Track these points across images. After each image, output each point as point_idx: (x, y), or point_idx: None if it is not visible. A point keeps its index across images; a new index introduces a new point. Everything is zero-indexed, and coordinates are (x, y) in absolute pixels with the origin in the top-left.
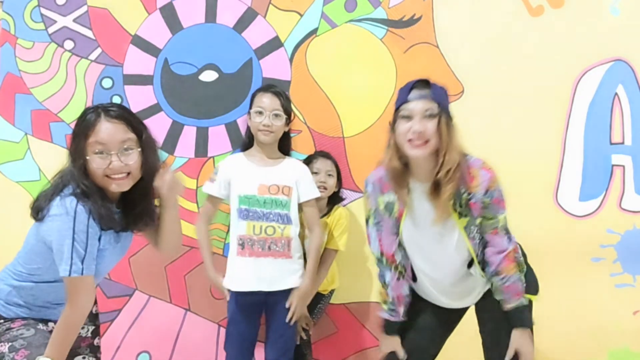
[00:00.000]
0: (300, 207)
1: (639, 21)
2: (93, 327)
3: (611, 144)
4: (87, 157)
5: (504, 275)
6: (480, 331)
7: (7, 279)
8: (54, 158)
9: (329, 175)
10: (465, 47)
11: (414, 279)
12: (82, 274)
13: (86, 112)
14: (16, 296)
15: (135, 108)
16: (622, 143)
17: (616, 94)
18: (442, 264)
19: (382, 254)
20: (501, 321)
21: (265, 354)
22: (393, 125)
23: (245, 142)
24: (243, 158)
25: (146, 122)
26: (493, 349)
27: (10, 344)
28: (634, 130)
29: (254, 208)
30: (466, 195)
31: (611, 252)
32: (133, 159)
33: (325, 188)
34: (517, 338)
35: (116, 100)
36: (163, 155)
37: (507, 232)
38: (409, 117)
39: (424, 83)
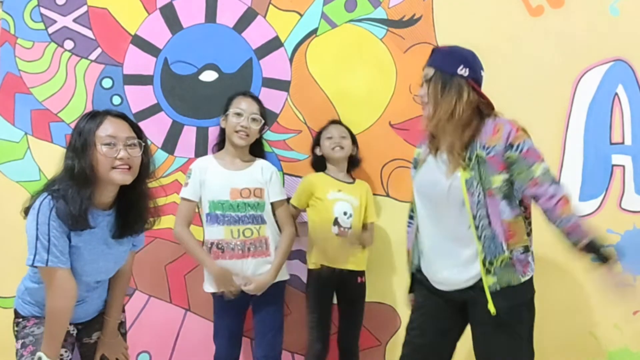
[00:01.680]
0: (273, 208)
1: (639, 21)
2: (76, 331)
3: (611, 144)
4: (97, 146)
5: (562, 218)
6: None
7: (25, 279)
8: (54, 158)
9: (343, 137)
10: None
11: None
12: (46, 264)
13: (89, 113)
14: (28, 296)
15: (135, 108)
16: (622, 143)
17: (616, 94)
18: (445, 215)
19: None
20: (491, 335)
21: (254, 352)
22: None
23: (217, 146)
24: (214, 161)
25: (146, 122)
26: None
27: (22, 340)
28: (634, 130)
29: (228, 213)
30: (481, 150)
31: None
32: (136, 153)
33: (341, 147)
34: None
35: (116, 100)
36: (161, 156)
37: (553, 181)
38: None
39: (432, 52)
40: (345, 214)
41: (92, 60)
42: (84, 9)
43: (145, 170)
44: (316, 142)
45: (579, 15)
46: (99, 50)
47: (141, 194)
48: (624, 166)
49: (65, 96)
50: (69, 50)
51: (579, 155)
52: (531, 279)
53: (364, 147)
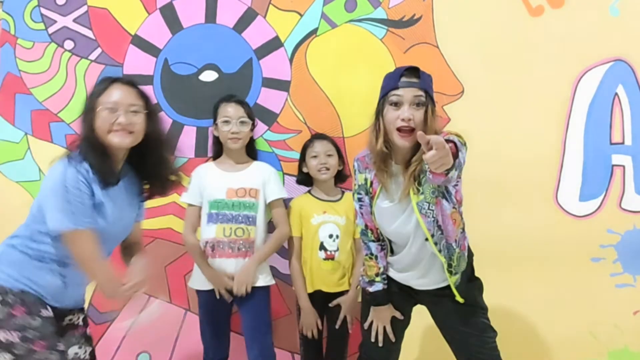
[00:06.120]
0: (270, 208)
1: (639, 21)
2: (83, 316)
3: (611, 144)
4: (97, 109)
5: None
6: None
7: None
8: (54, 158)
9: (329, 155)
10: (465, 47)
11: (392, 251)
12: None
13: (102, 79)
14: None
15: None
16: (622, 143)
17: (616, 94)
18: (407, 238)
19: (366, 226)
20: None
21: (247, 353)
22: (381, 111)
23: (215, 152)
24: (213, 166)
25: None
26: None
27: None
28: (634, 130)
29: (223, 211)
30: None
31: (611, 252)
32: (138, 120)
33: (327, 169)
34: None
35: None
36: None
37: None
38: (397, 104)
39: (413, 71)
40: (330, 236)
41: (92, 60)
42: (84, 9)
43: (152, 136)
44: (302, 158)
45: (579, 15)
46: (99, 51)
47: (152, 155)
48: (624, 166)
49: (66, 96)
50: (69, 51)
51: (579, 155)
52: (469, 248)
53: (364, 147)
